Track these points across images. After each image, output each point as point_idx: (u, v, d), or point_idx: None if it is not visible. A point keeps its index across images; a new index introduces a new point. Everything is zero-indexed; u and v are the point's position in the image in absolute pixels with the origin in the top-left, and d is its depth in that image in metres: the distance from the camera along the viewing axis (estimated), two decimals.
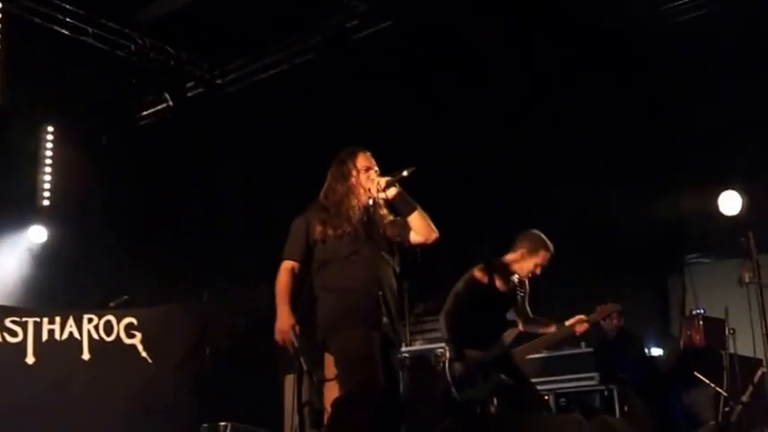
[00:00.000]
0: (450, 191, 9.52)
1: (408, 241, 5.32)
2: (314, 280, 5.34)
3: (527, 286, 6.87)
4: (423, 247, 5.36)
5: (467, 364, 6.51)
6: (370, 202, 5.34)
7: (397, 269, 5.38)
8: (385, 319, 5.14)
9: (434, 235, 5.26)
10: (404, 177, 5.21)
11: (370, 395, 4.86)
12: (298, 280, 5.25)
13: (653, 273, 10.83)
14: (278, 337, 5.11)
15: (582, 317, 6.81)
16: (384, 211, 5.37)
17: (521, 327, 6.85)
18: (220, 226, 10.28)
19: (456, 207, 9.33)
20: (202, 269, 9.54)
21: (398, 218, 5.35)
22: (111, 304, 9.00)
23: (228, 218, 10.28)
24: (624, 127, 9.59)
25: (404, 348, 8.07)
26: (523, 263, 6.69)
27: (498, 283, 6.69)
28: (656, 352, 9.70)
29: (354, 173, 5.33)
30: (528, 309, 6.92)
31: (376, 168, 5.39)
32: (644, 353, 9.33)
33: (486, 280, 6.60)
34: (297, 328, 5.06)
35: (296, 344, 4.98)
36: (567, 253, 7.50)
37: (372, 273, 5.20)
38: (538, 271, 6.71)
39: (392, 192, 5.26)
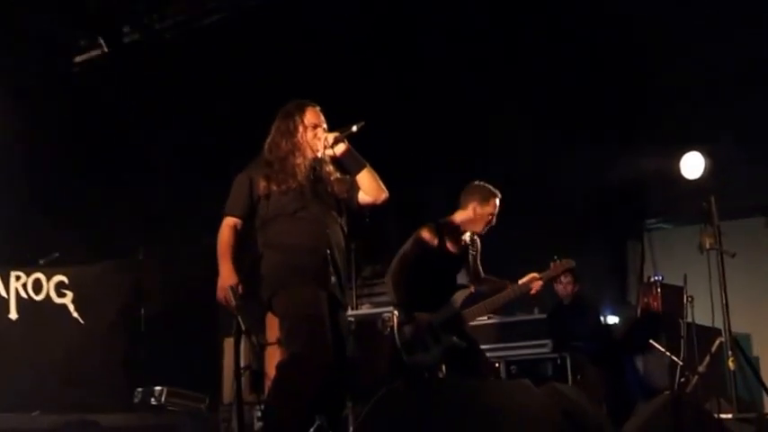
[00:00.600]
0: (399, 149, 9.36)
1: (357, 201, 5.27)
2: (258, 237, 5.25)
3: (478, 245, 6.80)
4: (372, 207, 5.29)
5: (416, 327, 6.49)
6: (318, 158, 5.26)
7: (346, 229, 5.30)
8: (333, 279, 5.09)
9: (384, 195, 5.20)
10: (353, 133, 5.13)
11: (317, 356, 4.82)
12: (240, 237, 5.16)
13: (611, 237, 10.71)
14: (219, 295, 5.02)
15: (535, 275, 6.75)
16: (331, 168, 5.30)
17: (472, 288, 6.80)
18: (159, 181, 10.12)
19: (405, 166, 9.18)
20: (139, 225, 9.35)
21: (347, 176, 5.29)
22: (41, 261, 8.82)
23: (167, 172, 10.11)
24: (584, 86, 9.44)
25: (350, 312, 7.99)
26: (477, 218, 6.63)
27: (449, 244, 6.63)
28: (612, 319, 9.66)
29: (301, 129, 5.24)
30: (480, 268, 6.85)
31: (324, 126, 5.29)
32: (599, 320, 9.33)
33: (435, 241, 6.54)
34: (239, 286, 4.97)
35: (234, 302, 4.90)
36: (522, 215, 7.59)
37: (320, 230, 5.13)
38: (493, 220, 6.66)
39: (340, 148, 5.20)
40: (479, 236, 6.80)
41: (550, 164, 9.58)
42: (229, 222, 5.20)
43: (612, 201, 10.29)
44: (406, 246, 6.58)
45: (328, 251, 5.09)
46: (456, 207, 6.74)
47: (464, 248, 6.73)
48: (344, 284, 5.22)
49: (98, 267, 8.99)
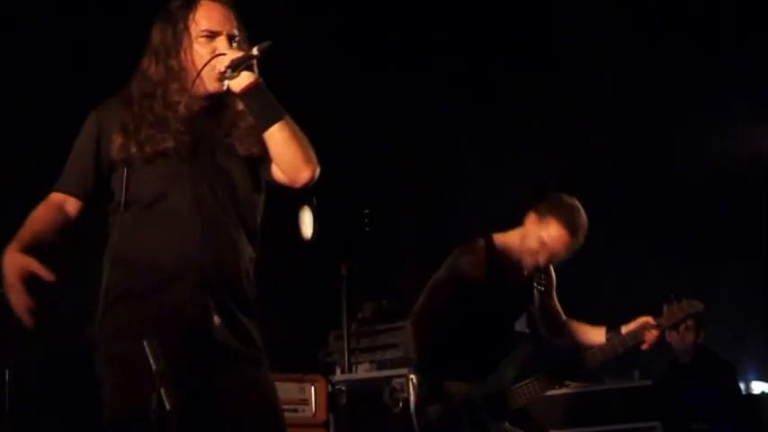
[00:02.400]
0: (419, 117, 9.32)
1: (270, 174, 4.64)
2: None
3: (553, 276, 6.42)
4: (289, 189, 4.63)
5: (448, 406, 6.16)
6: (217, 94, 4.52)
7: (257, 215, 4.54)
8: (217, 320, 4.34)
9: (307, 173, 4.56)
10: (253, 57, 4.43)
11: None
12: (67, 225, 4.43)
13: (757, 258, 10.10)
14: (6, 290, 4.24)
15: (648, 319, 6.21)
16: (240, 109, 4.61)
17: (548, 337, 6.55)
18: None
19: (426, 140, 9.30)
20: None
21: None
22: None
23: None
24: None
25: (339, 376, 7.82)
26: (528, 239, 6.30)
27: (505, 275, 6.30)
28: (759, 386, 9.67)
29: (185, 42, 4.48)
30: (558, 308, 6.50)
31: (233, 32, 4.53)
32: (737, 387, 9.00)
33: (481, 271, 6.23)
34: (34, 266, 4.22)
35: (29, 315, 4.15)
36: (620, 225, 7.48)
37: (194, 233, 4.39)
38: (568, 253, 6.24)
39: (241, 81, 4.43)
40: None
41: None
42: (50, 199, 4.50)
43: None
44: (438, 275, 6.27)
45: (203, 270, 4.34)
46: (520, 217, 6.35)
47: (528, 278, 6.37)
48: (248, 320, 4.45)
49: None
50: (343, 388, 7.57)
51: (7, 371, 7.75)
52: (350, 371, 8.34)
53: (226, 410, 4.37)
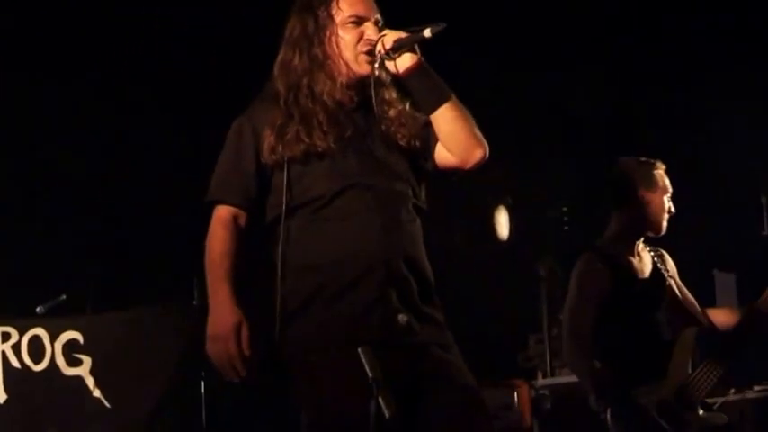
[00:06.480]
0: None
1: (434, 161, 4.58)
2: (269, 245, 4.48)
3: (669, 261, 6.42)
4: (459, 174, 4.63)
5: (642, 415, 6.09)
6: (369, 80, 4.48)
7: (424, 206, 4.59)
8: (402, 318, 4.34)
9: (479, 153, 4.52)
10: (424, 39, 4.36)
11: None
12: (244, 239, 4.46)
13: None
14: (213, 351, 4.22)
15: None
16: (394, 96, 4.56)
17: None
18: None
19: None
20: (191, 254, 8.74)
21: (419, 114, 4.59)
22: (39, 309, 8.13)
23: None
24: None
25: (541, 381, 7.83)
26: (653, 210, 6.26)
27: (628, 272, 6.30)
28: None
29: (329, 30, 4.49)
30: (689, 295, 6.46)
31: (377, 18, 4.53)
32: None
33: (603, 279, 6.21)
34: (244, 332, 4.23)
35: (242, 371, 4.21)
36: None
37: (375, 231, 4.38)
38: (670, 206, 6.25)
39: (405, 61, 4.42)
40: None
41: None
42: (223, 216, 4.44)
43: None
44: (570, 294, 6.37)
45: (389, 269, 4.34)
46: (615, 207, 6.40)
47: (655, 268, 6.36)
48: (432, 309, 4.48)
49: (129, 316, 8.34)
50: (547, 393, 7.60)
51: (202, 383, 8.07)
52: (552, 375, 8.29)
53: (429, 407, 4.34)
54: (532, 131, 9.65)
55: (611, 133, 7.71)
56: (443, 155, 4.53)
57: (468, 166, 4.54)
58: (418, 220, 4.54)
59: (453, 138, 4.49)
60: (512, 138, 9.47)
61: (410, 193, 4.53)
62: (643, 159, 6.35)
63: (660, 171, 6.31)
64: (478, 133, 4.50)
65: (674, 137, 9.29)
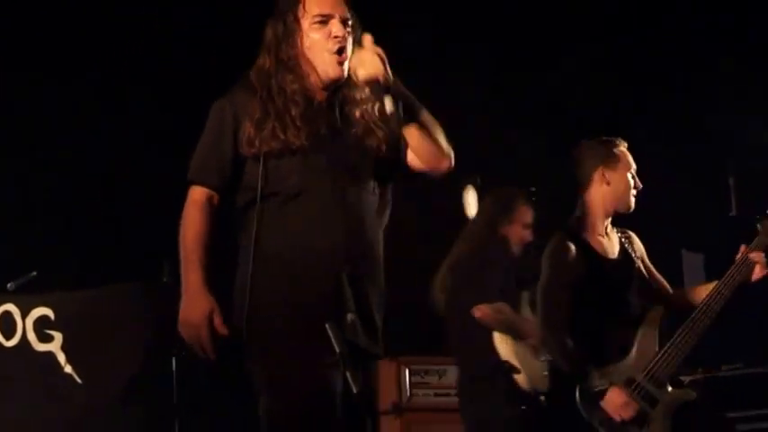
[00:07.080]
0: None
1: (404, 163, 4.76)
2: (240, 232, 4.60)
3: (637, 242, 6.47)
4: (426, 179, 4.86)
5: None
6: (338, 81, 4.65)
7: (389, 204, 4.74)
8: (350, 317, 4.43)
9: (446, 162, 4.77)
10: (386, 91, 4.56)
11: None
12: (215, 221, 4.57)
13: None
14: (185, 334, 4.39)
15: (743, 248, 6.13)
16: (366, 95, 4.66)
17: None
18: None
19: None
20: (162, 232, 8.63)
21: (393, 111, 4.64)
22: (10, 285, 8.09)
23: None
24: None
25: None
26: (612, 189, 6.28)
27: (594, 254, 6.32)
28: None
29: (298, 29, 4.62)
30: (659, 277, 6.48)
31: (346, 15, 4.62)
32: None
33: (573, 261, 6.24)
34: (217, 320, 4.36)
35: (212, 355, 4.37)
36: None
37: (338, 228, 4.51)
38: (638, 183, 6.28)
39: (371, 66, 4.54)
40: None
41: None
42: (198, 198, 4.56)
43: None
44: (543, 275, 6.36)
45: (348, 265, 4.47)
46: (580, 189, 6.43)
47: (622, 249, 6.41)
48: (377, 320, 4.61)
49: (100, 294, 8.28)
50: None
51: (173, 359, 8.06)
52: None
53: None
54: (533, 131, 9.80)
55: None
56: (413, 160, 4.73)
57: (436, 174, 4.77)
58: (384, 217, 4.71)
59: (423, 149, 4.69)
60: (512, 137, 9.61)
61: (377, 191, 4.66)
62: (604, 138, 6.40)
63: (621, 148, 6.35)
64: (446, 145, 4.71)
65: (674, 136, 9.61)
